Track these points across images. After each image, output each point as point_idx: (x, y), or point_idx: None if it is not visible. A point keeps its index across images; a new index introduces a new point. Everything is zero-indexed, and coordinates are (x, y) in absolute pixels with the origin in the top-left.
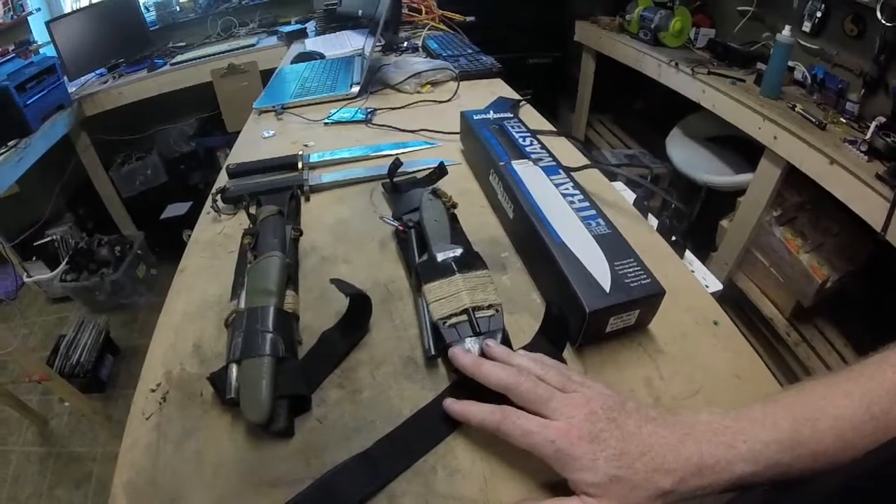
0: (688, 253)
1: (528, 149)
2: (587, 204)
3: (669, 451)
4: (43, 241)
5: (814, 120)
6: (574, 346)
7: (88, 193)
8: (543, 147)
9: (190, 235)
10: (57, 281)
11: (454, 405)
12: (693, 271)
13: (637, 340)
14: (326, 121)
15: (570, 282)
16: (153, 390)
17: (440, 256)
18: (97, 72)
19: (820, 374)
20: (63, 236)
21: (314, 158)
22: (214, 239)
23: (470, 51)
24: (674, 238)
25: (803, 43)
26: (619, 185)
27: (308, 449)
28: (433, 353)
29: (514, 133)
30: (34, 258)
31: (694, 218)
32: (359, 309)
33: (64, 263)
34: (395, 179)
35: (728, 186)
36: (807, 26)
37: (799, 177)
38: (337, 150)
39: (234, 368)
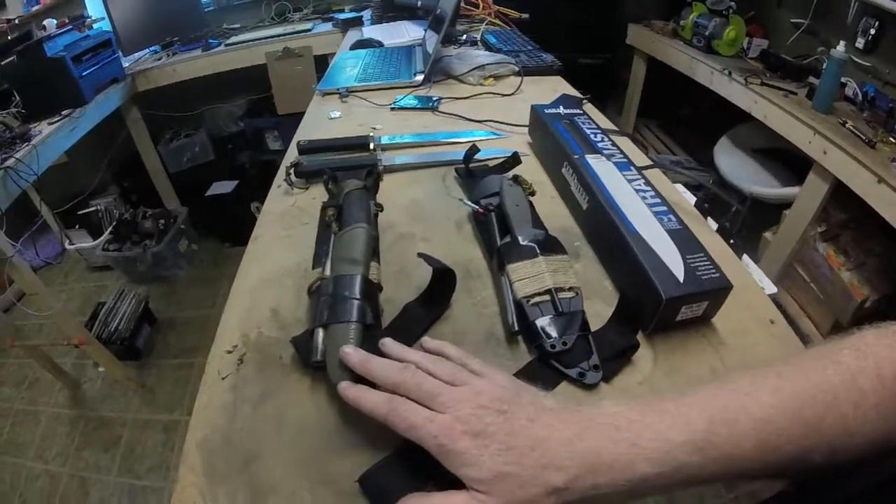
0: (744, 256)
1: (599, 144)
2: (658, 200)
3: (562, 447)
4: (87, 210)
5: (864, 137)
6: (646, 332)
7: (135, 167)
8: (614, 144)
9: (258, 207)
10: (99, 250)
11: (349, 390)
12: (750, 273)
13: (701, 332)
14: (393, 106)
15: (646, 270)
16: (229, 352)
17: (523, 239)
18: (151, 48)
19: (750, 365)
20: (107, 207)
21: (385, 140)
22: (288, 211)
23: (530, 47)
24: (731, 241)
25: (856, 59)
26: (679, 187)
27: None
28: (516, 328)
29: (585, 128)
30: (77, 227)
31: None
32: (443, 283)
33: (107, 233)
34: (469, 166)
35: (774, 199)
36: (860, 42)
37: (845, 193)
38: (405, 133)
39: (320, 332)
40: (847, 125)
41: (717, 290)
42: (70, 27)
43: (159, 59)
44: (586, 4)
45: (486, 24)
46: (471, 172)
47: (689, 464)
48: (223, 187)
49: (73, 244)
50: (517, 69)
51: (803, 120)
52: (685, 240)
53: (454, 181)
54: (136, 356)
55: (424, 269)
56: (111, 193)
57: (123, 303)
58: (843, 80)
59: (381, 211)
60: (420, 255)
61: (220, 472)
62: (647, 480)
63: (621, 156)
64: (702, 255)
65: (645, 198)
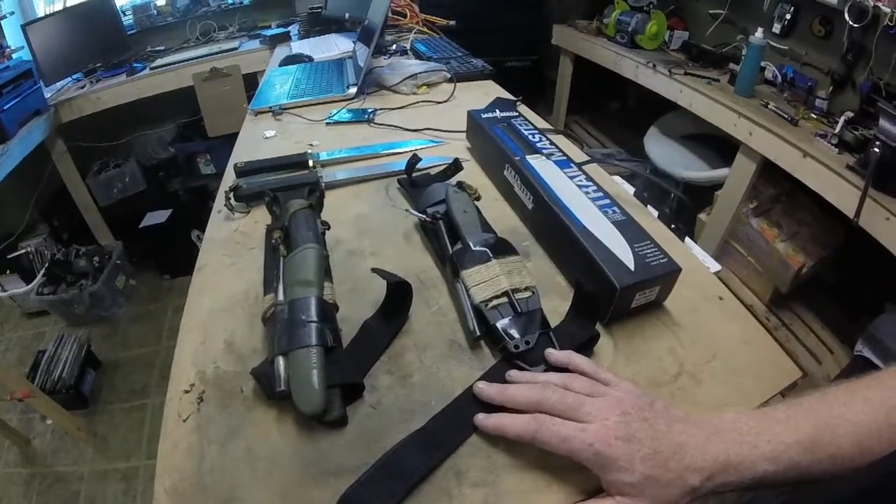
0: (687, 239)
1: (538, 144)
2: (601, 194)
3: (698, 450)
4: (17, 253)
5: (786, 116)
6: (603, 322)
7: (64, 202)
8: (552, 143)
9: (199, 236)
10: (33, 294)
11: (487, 421)
12: (694, 254)
13: (656, 315)
14: (328, 120)
15: (598, 263)
16: (187, 391)
17: (474, 244)
18: (74, 76)
19: (842, 381)
20: (38, 248)
21: (324, 156)
22: (231, 237)
23: (459, 54)
24: (673, 226)
25: (773, 44)
26: (617, 179)
27: (366, 435)
28: (478, 333)
29: (522, 130)
30: (7, 272)
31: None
32: (400, 296)
33: (40, 276)
34: (412, 176)
35: (705, 181)
36: (776, 28)
37: (773, 170)
38: (344, 148)
39: (281, 361)
40: (770, 106)
41: (666, 275)
42: None
43: (83, 87)
44: (510, 8)
45: (415, 33)
46: (414, 182)
47: (800, 463)
48: (157, 217)
49: (5, 290)
50: (449, 76)
51: (727, 105)
52: (631, 229)
53: (398, 192)
54: (84, 404)
55: (378, 284)
56: (41, 233)
57: (64, 348)
58: (762, 64)
59: (329, 229)
60: (374, 270)
61: None
62: (766, 477)
63: (560, 154)
64: (648, 242)
65: (588, 192)
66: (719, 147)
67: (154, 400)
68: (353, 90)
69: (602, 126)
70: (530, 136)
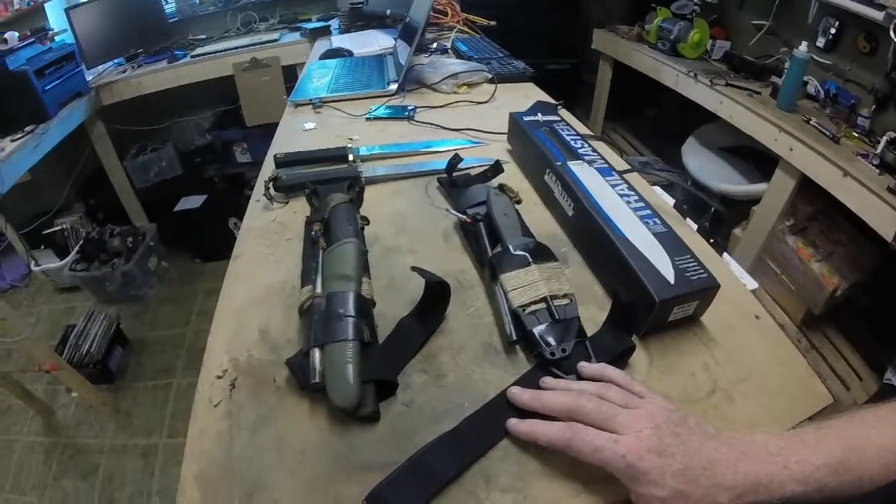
0: (724, 254)
1: (580, 150)
2: (643, 204)
3: (729, 468)
4: (52, 229)
5: (828, 133)
6: (639, 334)
7: (100, 183)
8: (594, 149)
9: (237, 223)
10: (66, 270)
11: (520, 426)
12: (731, 270)
13: (692, 330)
14: (368, 116)
15: (638, 274)
16: (219, 377)
17: (514, 248)
18: (115, 61)
19: (870, 405)
20: (73, 226)
21: (363, 152)
22: (268, 227)
23: (500, 55)
24: (711, 240)
25: (816, 58)
26: (656, 189)
27: (397, 433)
28: (514, 338)
29: (565, 135)
30: (42, 247)
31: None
32: (437, 296)
33: (74, 252)
34: (452, 175)
35: (743, 196)
36: (821, 42)
37: (811, 188)
38: (384, 144)
39: (316, 353)
40: (811, 122)
41: (705, 290)
42: (32, 40)
43: (124, 72)
44: (549, 11)
45: (456, 32)
46: (454, 182)
47: (827, 485)
48: (192, 202)
49: (39, 265)
50: (490, 77)
51: (769, 118)
52: (671, 242)
53: (437, 191)
54: (110, 379)
55: (415, 282)
56: (76, 211)
57: (94, 324)
58: (804, 78)
59: (368, 224)
60: (414, 268)
61: None
62: (794, 498)
63: (602, 161)
64: (688, 256)
65: (629, 202)
66: (757, 161)
67: (179, 380)
68: (394, 86)
69: (638, 133)
70: (572, 142)
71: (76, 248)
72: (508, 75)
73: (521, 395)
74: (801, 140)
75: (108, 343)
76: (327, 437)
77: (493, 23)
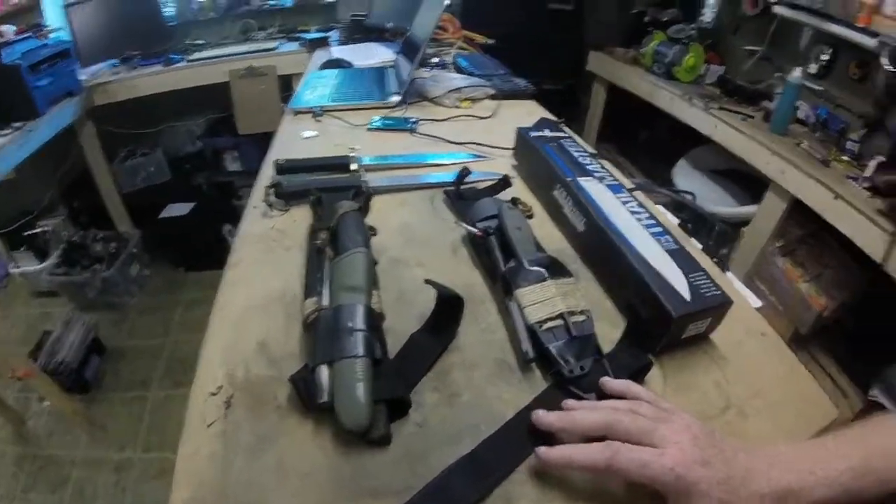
0: (728, 272)
1: (589, 167)
2: (654, 221)
3: (763, 476)
4: (33, 231)
5: (818, 157)
6: (654, 351)
7: (86, 186)
8: (602, 166)
9: (230, 230)
10: (45, 274)
11: (551, 453)
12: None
13: (703, 348)
14: (370, 126)
15: (653, 290)
16: (214, 393)
17: (529, 263)
18: (110, 62)
19: (882, 413)
20: (55, 228)
21: (367, 161)
22: (267, 234)
23: (502, 71)
24: (715, 259)
25: (808, 84)
26: (660, 208)
27: (410, 455)
28: (532, 356)
29: (573, 151)
30: (23, 248)
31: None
32: (450, 310)
33: (56, 255)
34: (460, 188)
35: (733, 217)
36: (813, 68)
37: (801, 210)
38: (386, 154)
39: (324, 370)
40: (802, 146)
41: (719, 306)
42: (29, 34)
43: (118, 73)
44: (549, 30)
45: (457, 48)
46: (461, 195)
47: (852, 489)
48: (178, 209)
49: (17, 266)
50: (492, 92)
51: (762, 142)
52: (684, 259)
53: (443, 203)
54: (85, 389)
55: (425, 296)
56: (59, 214)
57: (71, 331)
58: (796, 103)
59: (375, 234)
60: (427, 281)
61: None
62: (823, 503)
63: (612, 178)
64: (701, 273)
65: (640, 219)
66: (746, 183)
67: (156, 393)
68: (395, 98)
69: (630, 156)
70: (581, 158)
71: (57, 252)
72: (510, 92)
73: (547, 418)
74: (793, 163)
75: (84, 351)
76: (333, 460)
77: (492, 41)
